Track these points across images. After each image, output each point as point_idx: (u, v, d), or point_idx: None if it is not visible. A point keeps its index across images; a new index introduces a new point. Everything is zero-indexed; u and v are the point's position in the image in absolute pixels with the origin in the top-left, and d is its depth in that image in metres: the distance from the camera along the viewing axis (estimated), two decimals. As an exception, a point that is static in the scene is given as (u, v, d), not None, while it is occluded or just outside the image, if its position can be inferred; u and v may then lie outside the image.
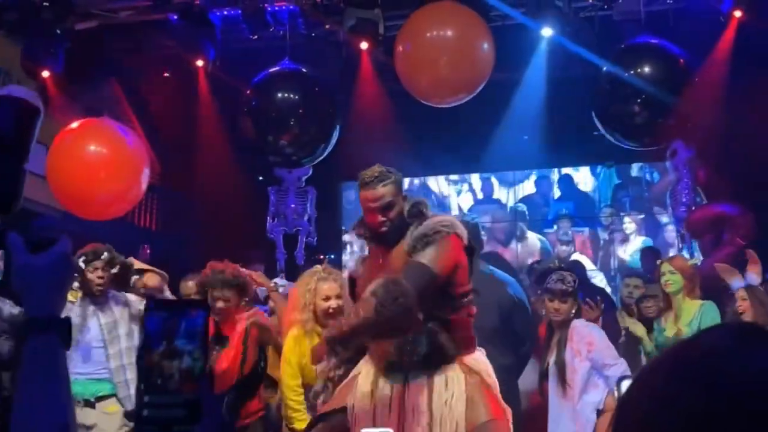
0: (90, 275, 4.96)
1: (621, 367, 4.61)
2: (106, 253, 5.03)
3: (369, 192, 3.52)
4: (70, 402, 1.23)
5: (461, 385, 3.45)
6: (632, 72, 7.24)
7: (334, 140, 7.80)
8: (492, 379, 3.56)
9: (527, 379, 5.13)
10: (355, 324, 3.19)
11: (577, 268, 7.12)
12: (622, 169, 10.24)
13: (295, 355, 4.62)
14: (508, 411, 3.54)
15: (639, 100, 7.23)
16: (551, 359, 4.73)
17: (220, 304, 4.69)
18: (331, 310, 4.57)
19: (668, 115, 7.23)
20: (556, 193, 10.51)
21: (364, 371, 3.59)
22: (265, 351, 4.91)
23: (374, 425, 3.44)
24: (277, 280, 5.61)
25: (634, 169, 10.27)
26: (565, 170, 10.42)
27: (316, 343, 4.53)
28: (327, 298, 4.61)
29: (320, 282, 4.62)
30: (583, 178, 10.44)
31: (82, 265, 4.92)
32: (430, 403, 3.42)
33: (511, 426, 3.52)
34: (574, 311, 4.75)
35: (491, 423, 3.44)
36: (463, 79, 7.00)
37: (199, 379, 1.26)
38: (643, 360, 5.35)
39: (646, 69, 7.26)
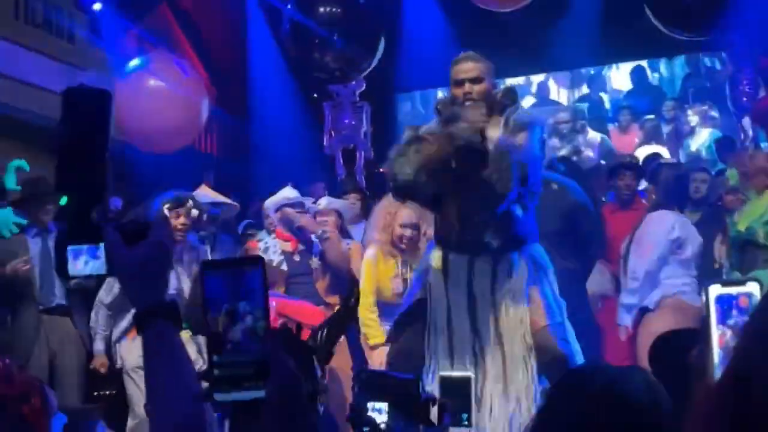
0: (174, 221, 5.03)
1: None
2: (190, 201, 5.10)
3: (461, 65, 3.71)
4: (194, 382, 1.28)
5: (524, 276, 3.56)
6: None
7: (379, 53, 7.70)
8: (551, 276, 3.67)
9: (595, 283, 5.15)
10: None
11: (656, 162, 6.99)
12: (689, 60, 9.93)
13: (372, 275, 4.72)
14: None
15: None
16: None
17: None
18: (405, 240, 4.65)
19: (725, 3, 6.95)
20: (624, 87, 10.24)
21: (435, 257, 3.73)
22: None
23: (447, 299, 3.61)
24: (322, 200, 5.65)
25: (698, 60, 9.94)
26: (630, 64, 10.13)
27: (391, 268, 4.68)
28: (404, 226, 4.65)
29: (401, 207, 4.61)
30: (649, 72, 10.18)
31: (166, 212, 4.99)
32: (493, 289, 3.56)
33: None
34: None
35: (547, 329, 3.52)
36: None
37: (263, 338, 1.28)
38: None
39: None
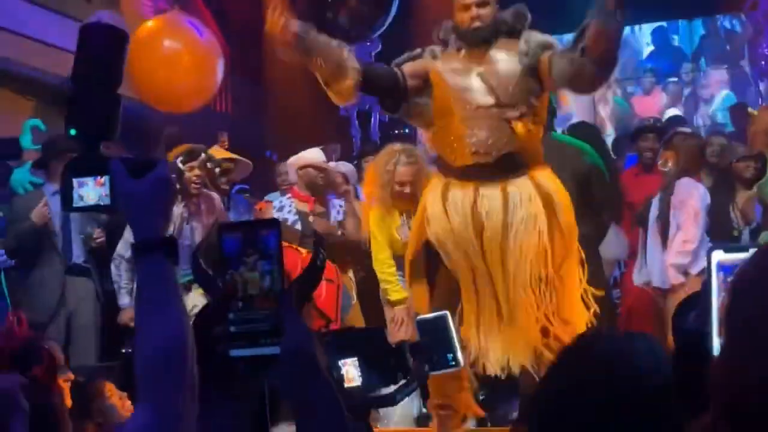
0: (188, 174, 5.06)
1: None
2: (203, 154, 5.13)
3: None
4: (184, 316, 1.32)
5: (537, 205, 3.53)
6: None
7: (393, 12, 7.64)
8: (563, 201, 3.63)
9: (612, 246, 5.18)
10: None
11: (680, 124, 6.94)
12: (706, 22, 9.79)
13: (382, 229, 4.76)
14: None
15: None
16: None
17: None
18: (404, 194, 4.67)
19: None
20: (645, 49, 10.13)
21: (431, 195, 3.68)
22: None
23: (452, 232, 3.56)
24: (331, 164, 5.75)
25: (716, 22, 9.80)
26: (651, 25, 9.99)
27: (396, 216, 4.71)
28: (402, 183, 4.69)
29: (398, 165, 4.68)
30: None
31: (180, 165, 5.02)
32: (506, 216, 3.50)
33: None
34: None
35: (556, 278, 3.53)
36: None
37: (278, 297, 1.32)
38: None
39: None
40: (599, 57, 3.32)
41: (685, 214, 4.98)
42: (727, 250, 1.15)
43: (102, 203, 1.39)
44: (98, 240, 5.36)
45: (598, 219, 4.97)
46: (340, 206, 5.39)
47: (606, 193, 5.00)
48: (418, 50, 3.77)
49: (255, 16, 8.83)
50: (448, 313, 1.91)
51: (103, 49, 1.46)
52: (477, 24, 3.58)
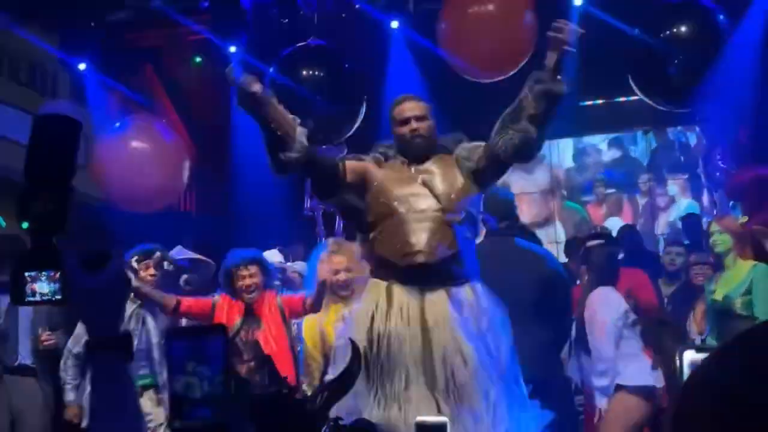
0: (143, 273, 5.04)
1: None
2: (158, 253, 5.12)
3: (405, 104, 3.81)
4: (137, 408, 1.30)
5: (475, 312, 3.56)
6: (667, 33, 7.12)
7: (360, 118, 7.80)
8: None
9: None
10: None
11: (632, 234, 7.07)
12: (658, 134, 10.11)
13: (314, 324, 4.80)
14: None
15: (675, 62, 7.11)
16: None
17: (247, 281, 4.82)
18: (340, 282, 4.76)
19: (703, 77, 7.11)
20: (601, 159, 10.41)
21: (369, 301, 3.65)
22: None
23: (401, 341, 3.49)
24: (297, 264, 5.76)
25: (670, 134, 10.14)
26: (608, 136, 10.30)
27: (332, 313, 4.73)
28: (336, 272, 4.77)
29: (331, 255, 4.80)
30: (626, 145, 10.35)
31: (135, 264, 5.00)
32: (451, 322, 3.50)
33: None
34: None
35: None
36: (508, 54, 6.98)
37: (223, 403, 1.32)
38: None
39: (682, 29, 7.13)
40: (543, 119, 3.55)
41: (596, 331, 4.89)
42: (698, 350, 1.17)
43: (55, 298, 1.38)
44: (47, 342, 5.25)
45: (561, 324, 5.00)
46: None
47: (568, 297, 5.05)
48: (363, 156, 3.86)
49: (223, 116, 8.99)
50: (447, 420, 1.98)
51: (56, 139, 1.46)
52: (417, 137, 3.74)
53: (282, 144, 3.53)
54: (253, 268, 4.92)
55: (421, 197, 3.67)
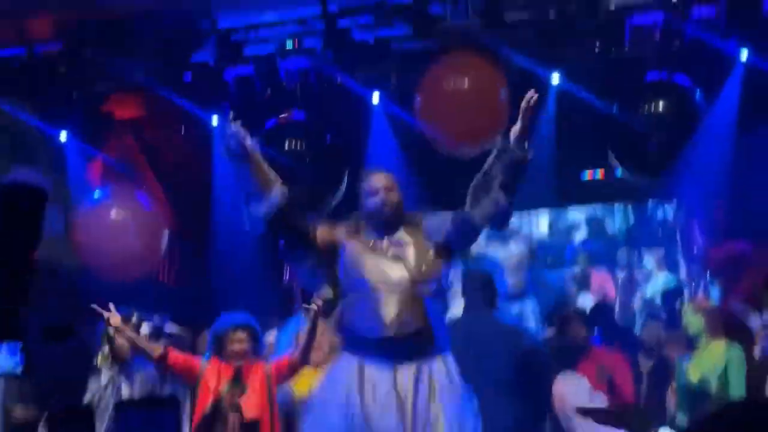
0: (120, 340, 4.93)
1: None
2: (135, 317, 5.04)
3: (374, 176, 3.83)
4: None
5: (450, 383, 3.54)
6: (645, 109, 7.25)
7: (342, 190, 7.84)
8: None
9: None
10: None
11: (606, 312, 7.06)
12: (636, 208, 10.17)
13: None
14: None
15: (653, 138, 7.22)
16: None
17: (236, 347, 4.76)
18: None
19: (680, 152, 7.22)
20: (578, 234, 10.44)
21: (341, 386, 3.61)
22: None
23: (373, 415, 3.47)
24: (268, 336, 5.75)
25: (647, 208, 10.21)
26: (586, 208, 10.38)
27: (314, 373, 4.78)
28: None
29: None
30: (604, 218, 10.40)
31: (110, 332, 4.91)
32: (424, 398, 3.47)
33: None
34: None
35: None
36: (485, 128, 7.07)
37: None
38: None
39: (660, 105, 7.27)
40: (513, 187, 3.65)
41: (562, 421, 4.89)
42: (673, 427, 1.16)
43: (11, 371, 1.36)
44: (19, 416, 5.12)
45: (538, 400, 4.96)
46: None
47: (547, 374, 5.01)
48: (337, 223, 3.89)
49: (204, 186, 9.01)
50: None
51: (20, 210, 1.44)
52: (388, 210, 3.75)
53: (257, 197, 3.62)
54: (243, 334, 4.86)
55: (392, 269, 3.66)
